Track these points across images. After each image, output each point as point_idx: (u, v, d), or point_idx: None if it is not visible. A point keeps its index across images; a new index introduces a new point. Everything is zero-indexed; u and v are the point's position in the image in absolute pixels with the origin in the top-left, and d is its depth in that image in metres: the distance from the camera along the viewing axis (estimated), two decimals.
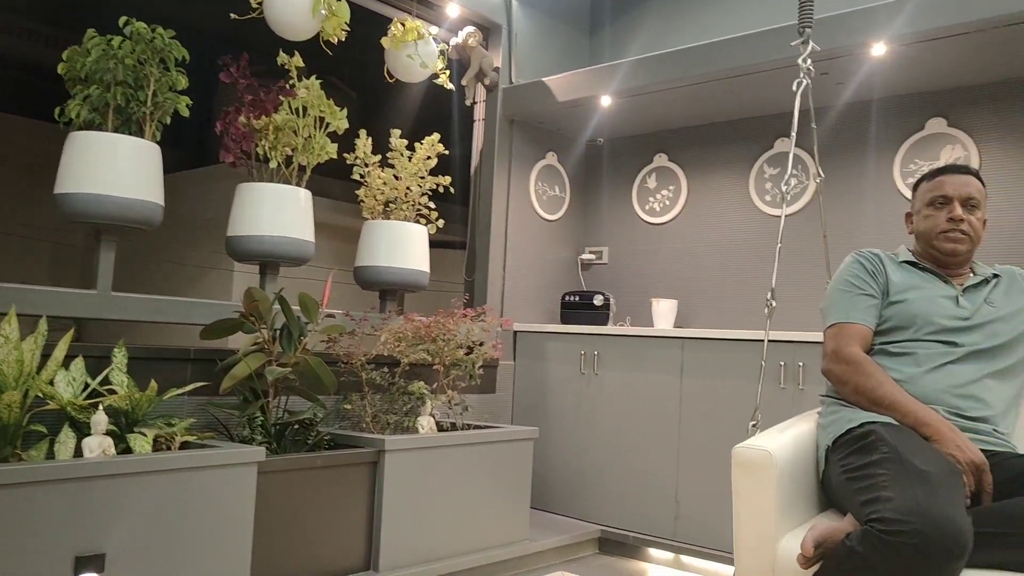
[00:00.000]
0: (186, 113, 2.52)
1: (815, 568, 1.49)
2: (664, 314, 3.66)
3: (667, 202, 3.98)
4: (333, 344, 2.82)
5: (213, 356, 2.62)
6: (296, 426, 2.61)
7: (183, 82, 2.53)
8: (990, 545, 1.42)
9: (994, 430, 1.76)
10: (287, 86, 2.84)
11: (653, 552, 3.28)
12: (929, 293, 1.91)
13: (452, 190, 3.40)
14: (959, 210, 1.93)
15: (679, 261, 3.91)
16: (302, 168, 2.89)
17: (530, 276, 3.97)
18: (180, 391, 2.30)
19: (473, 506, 2.88)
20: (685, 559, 3.19)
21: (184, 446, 2.18)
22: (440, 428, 2.98)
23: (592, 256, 4.19)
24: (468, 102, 3.84)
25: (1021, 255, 2.92)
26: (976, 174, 1.99)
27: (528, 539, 3.09)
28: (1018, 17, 2.52)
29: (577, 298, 3.91)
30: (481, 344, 3.18)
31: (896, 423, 1.68)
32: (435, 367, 3.05)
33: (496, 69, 3.80)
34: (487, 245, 3.79)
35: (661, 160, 4.02)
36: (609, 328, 3.59)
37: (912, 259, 2.01)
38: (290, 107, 2.84)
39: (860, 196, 3.37)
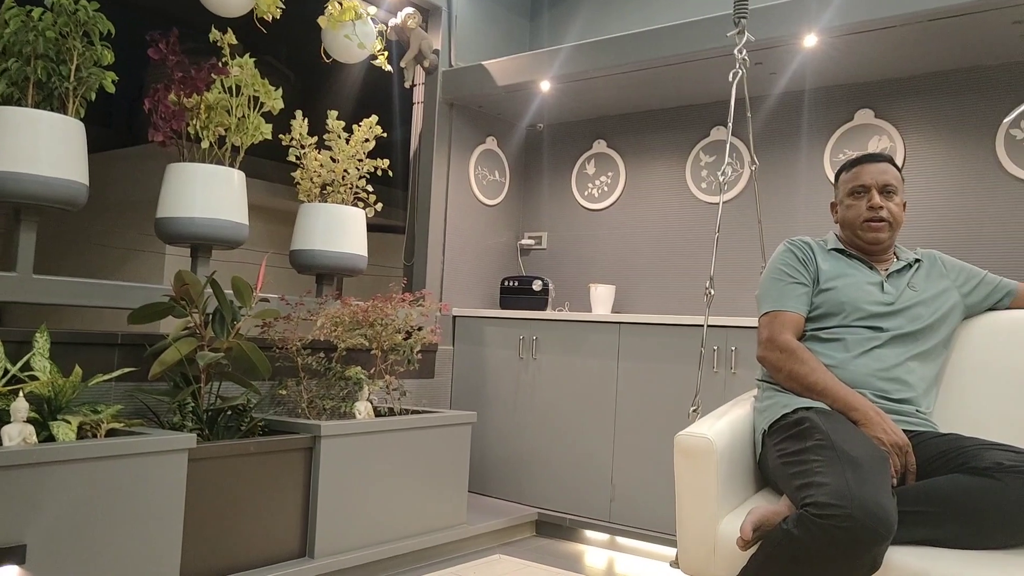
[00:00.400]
0: (112, 89, 2.43)
1: (753, 549, 1.54)
2: (602, 299, 3.69)
3: (606, 188, 4.01)
4: (268, 329, 2.77)
5: (142, 341, 2.55)
6: (229, 412, 2.56)
7: (109, 57, 2.44)
8: (914, 523, 1.49)
9: (917, 411, 1.84)
10: (220, 64, 2.77)
11: (589, 534, 3.33)
12: (856, 280, 1.97)
13: (391, 173, 3.37)
14: (877, 198, 2.00)
15: (617, 247, 3.95)
16: (235, 149, 2.83)
17: (469, 261, 3.96)
18: (106, 377, 2.23)
19: (410, 491, 2.88)
20: (620, 540, 3.25)
21: (111, 433, 2.12)
22: (378, 413, 2.97)
23: (531, 241, 4.21)
24: (407, 84, 3.80)
25: (943, 241, 3.04)
26: (891, 160, 2.05)
27: (465, 523, 3.10)
28: (937, 13, 2.61)
29: (516, 283, 3.92)
30: (420, 329, 3.17)
31: (827, 408, 1.74)
32: (373, 352, 3.02)
33: (436, 51, 3.77)
34: (426, 229, 3.77)
35: (600, 146, 4.05)
36: (548, 313, 3.61)
37: (840, 247, 2.07)
38: (223, 86, 2.77)
39: (793, 184, 3.46)
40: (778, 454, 1.70)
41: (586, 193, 4.08)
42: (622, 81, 3.47)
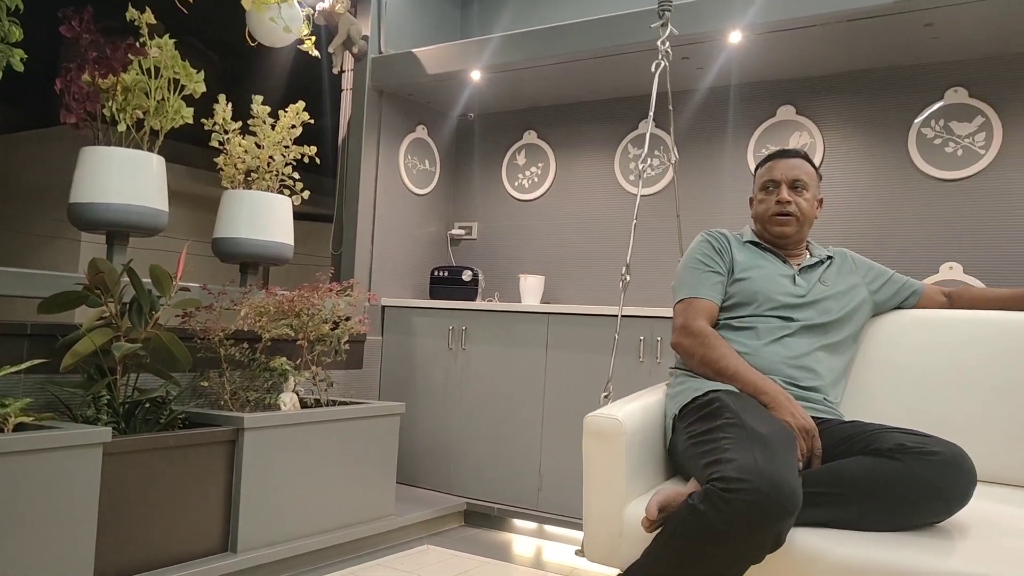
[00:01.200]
0: (20, 68, 2.32)
1: (659, 529, 1.53)
2: (531, 290, 3.71)
3: (536, 179, 4.03)
4: (189, 319, 2.70)
5: (54, 332, 2.45)
6: (147, 405, 2.49)
7: (17, 34, 2.33)
8: (818, 504, 1.52)
9: (824, 399, 1.90)
10: (137, 44, 2.67)
11: (517, 523, 3.35)
12: (769, 272, 2.03)
13: (319, 160, 3.31)
14: (785, 193, 2.05)
15: (547, 238, 3.97)
16: (155, 132, 2.73)
17: (399, 250, 3.93)
18: (14, 369, 2.14)
19: (337, 483, 2.85)
20: (548, 528, 3.28)
21: (19, 428, 2.03)
22: (304, 405, 2.92)
23: (462, 231, 4.20)
24: (335, 70, 3.74)
25: (858, 235, 3.15)
26: (805, 156, 2.11)
27: (393, 514, 3.08)
28: (854, 14, 2.70)
29: (446, 273, 3.91)
30: (348, 319, 3.13)
31: (738, 391, 1.78)
32: (299, 343, 2.97)
33: (365, 38, 3.71)
34: (355, 218, 3.72)
35: (531, 137, 4.06)
36: (478, 303, 3.61)
37: (755, 239, 2.13)
38: (141, 67, 2.68)
39: (719, 178, 3.53)
40: (688, 435, 1.71)
41: (516, 184, 4.09)
42: (552, 72, 3.48)
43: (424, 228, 4.09)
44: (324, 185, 4.03)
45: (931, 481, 1.50)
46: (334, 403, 3.03)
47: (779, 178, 2.07)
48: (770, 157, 2.13)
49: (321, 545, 2.74)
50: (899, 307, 2.17)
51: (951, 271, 2.99)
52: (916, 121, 3.11)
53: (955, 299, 2.16)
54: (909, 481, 1.50)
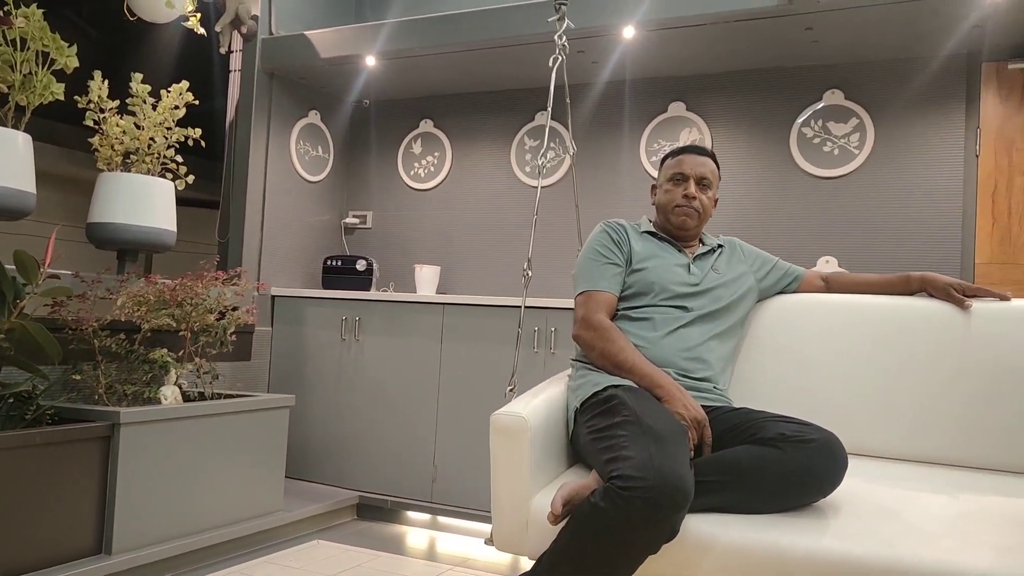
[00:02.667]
0: None
1: (564, 523, 1.59)
2: (427, 280, 3.68)
3: (432, 168, 3.99)
4: (58, 308, 2.54)
5: None
6: (11, 400, 2.32)
7: None
8: (708, 491, 1.60)
9: (714, 387, 1.98)
10: (1, 13, 2.48)
11: (411, 515, 3.32)
12: (665, 261, 2.08)
13: (204, 143, 3.17)
14: (693, 188, 2.12)
15: (443, 228, 3.94)
16: (21, 109, 2.55)
17: (290, 239, 3.82)
18: None
19: (222, 479, 2.75)
20: (442, 520, 3.27)
21: None
22: (187, 398, 2.80)
23: (356, 220, 4.12)
24: (222, 50, 3.58)
25: (743, 228, 3.26)
26: (713, 157, 2.18)
27: (282, 509, 3.00)
28: (740, 15, 2.79)
29: (339, 263, 3.83)
30: (234, 309, 3.02)
31: (635, 386, 1.83)
32: (181, 334, 2.84)
33: (255, 17, 3.58)
34: (243, 205, 3.59)
35: (427, 126, 4.01)
36: (372, 293, 3.56)
37: (651, 229, 2.17)
38: (5, 38, 2.49)
39: (614, 170, 3.59)
40: (588, 430, 1.77)
41: (412, 173, 4.04)
42: (447, 61, 3.45)
43: (317, 216, 3.99)
44: (212, 170, 3.87)
45: (808, 467, 1.61)
46: (219, 396, 2.92)
47: (688, 172, 2.13)
48: (683, 150, 2.18)
49: (204, 544, 2.64)
50: (781, 292, 2.27)
51: (827, 264, 3.14)
52: (797, 121, 3.25)
53: (832, 283, 2.28)
54: (789, 468, 1.60)
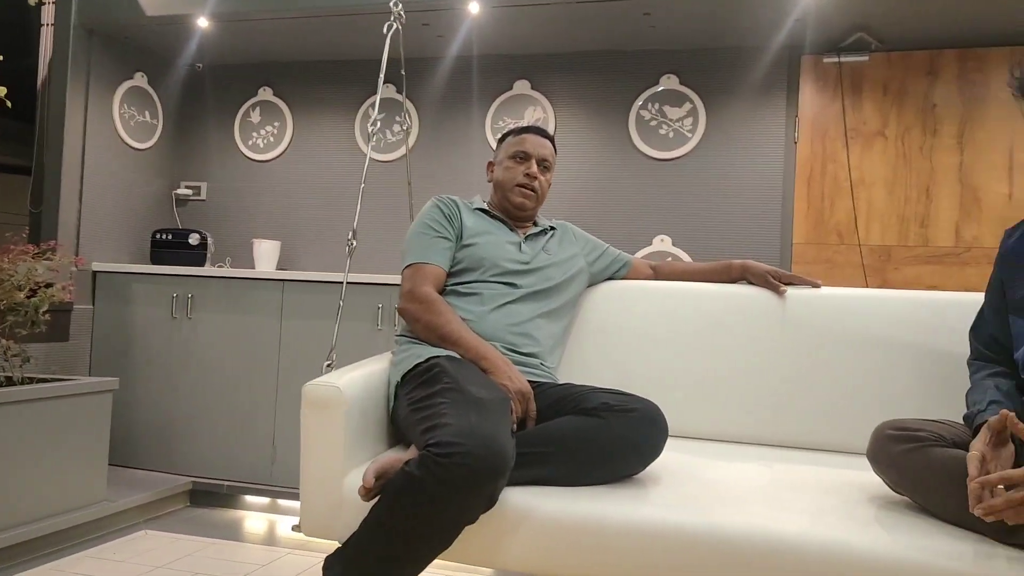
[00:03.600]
0: None
1: (377, 498, 1.51)
2: (266, 255, 3.54)
3: (272, 139, 3.82)
4: None
5: None
6: None
7: None
8: (530, 463, 1.59)
9: (541, 364, 2.00)
10: None
11: (249, 499, 3.21)
12: (497, 239, 2.08)
13: (9, 103, 2.87)
14: (535, 168, 2.13)
15: (284, 201, 3.79)
16: None
17: (113, 210, 3.55)
18: None
19: (36, 470, 2.54)
20: (282, 503, 3.18)
21: None
22: None
23: (189, 191, 3.88)
24: (32, 1, 3.25)
25: (583, 208, 3.35)
26: (553, 140, 2.20)
27: (106, 500, 2.81)
28: None
29: (170, 236, 3.60)
30: (48, 286, 2.78)
31: (459, 357, 1.82)
32: None
33: None
34: (58, 172, 3.30)
35: (266, 94, 3.84)
36: (206, 269, 3.38)
37: (484, 207, 2.17)
38: None
39: (461, 146, 3.57)
40: (408, 402, 1.71)
41: (250, 143, 3.85)
42: (288, 26, 3.30)
43: (144, 186, 3.73)
44: (25, 134, 3.52)
45: (628, 436, 1.63)
46: (31, 380, 2.69)
47: (531, 152, 2.13)
48: (525, 130, 2.17)
49: (15, 540, 2.43)
50: (611, 278, 2.34)
51: (662, 243, 3.28)
52: (636, 103, 3.36)
53: (659, 272, 2.36)
54: (610, 436, 1.62)
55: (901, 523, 1.41)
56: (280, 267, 3.61)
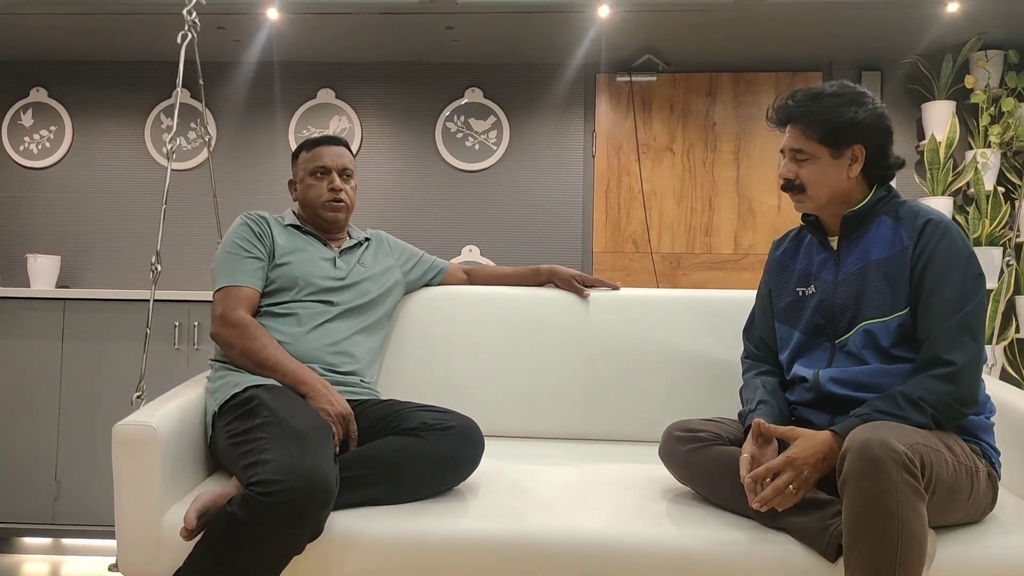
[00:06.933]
0: None
1: (199, 537, 1.48)
2: (43, 272, 3.23)
3: (47, 144, 3.50)
4: None
5: None
6: None
7: None
8: (353, 486, 1.59)
9: (361, 381, 1.98)
10: None
11: (28, 541, 2.91)
12: (310, 255, 2.03)
13: None
14: (338, 180, 2.08)
15: (64, 212, 3.48)
16: None
17: None
18: None
19: None
20: (67, 542, 2.91)
21: None
22: None
23: None
24: None
25: (392, 219, 3.33)
26: (347, 145, 2.17)
27: None
28: (383, 8, 2.84)
29: None
30: None
31: (278, 384, 1.76)
32: None
33: None
34: None
35: (40, 95, 3.50)
36: None
37: (296, 223, 2.11)
38: None
39: (262, 155, 3.44)
40: (227, 435, 1.66)
41: (22, 148, 3.50)
42: (65, 23, 3.04)
43: None
44: None
45: (447, 453, 1.67)
46: None
47: (330, 164, 2.07)
48: (316, 142, 2.11)
49: None
50: (427, 285, 2.35)
51: (471, 253, 3.34)
52: (443, 115, 3.40)
53: (473, 276, 2.41)
54: (430, 455, 1.66)
55: (687, 515, 1.55)
56: (61, 284, 3.31)
